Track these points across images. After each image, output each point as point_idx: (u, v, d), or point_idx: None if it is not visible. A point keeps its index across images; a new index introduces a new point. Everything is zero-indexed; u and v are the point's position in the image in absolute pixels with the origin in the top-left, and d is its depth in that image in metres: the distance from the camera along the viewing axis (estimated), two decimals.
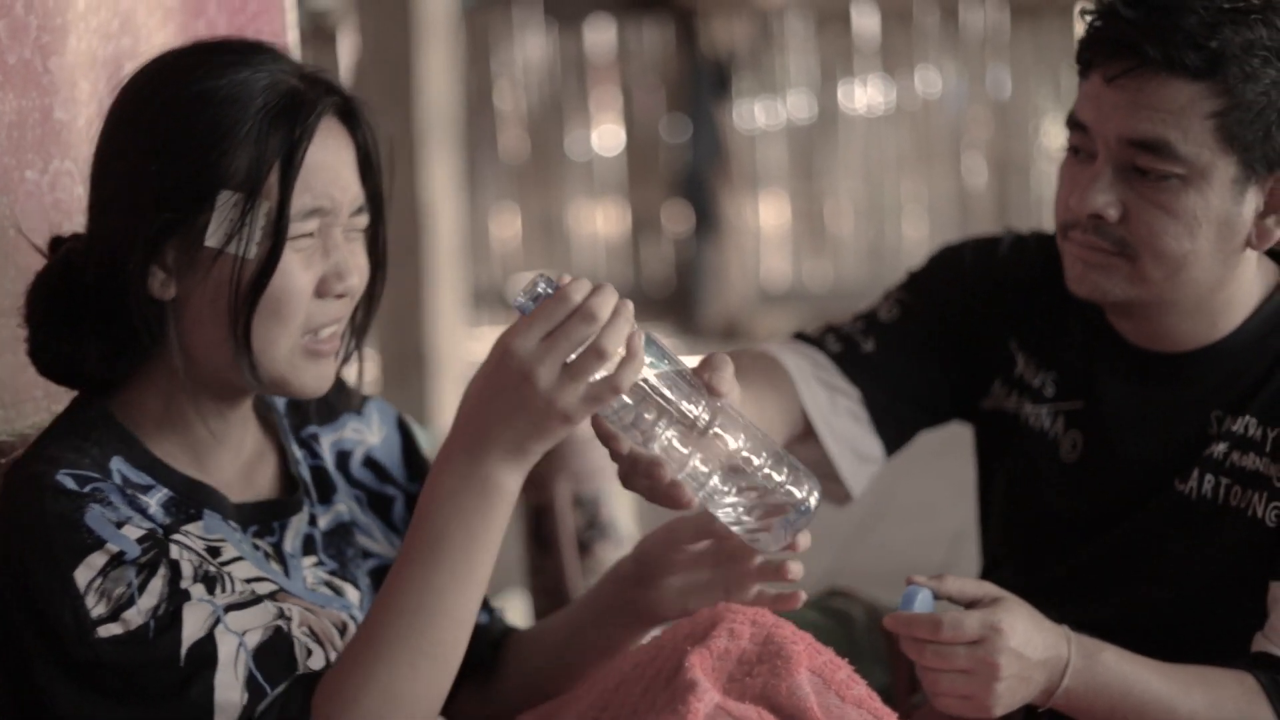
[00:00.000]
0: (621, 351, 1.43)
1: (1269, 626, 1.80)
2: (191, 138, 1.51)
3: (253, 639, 1.49)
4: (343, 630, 1.64)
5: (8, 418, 1.77)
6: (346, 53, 9.64)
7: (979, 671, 1.67)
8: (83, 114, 1.90)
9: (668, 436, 1.50)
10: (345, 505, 1.76)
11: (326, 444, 1.79)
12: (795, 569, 1.66)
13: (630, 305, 1.45)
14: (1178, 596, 1.90)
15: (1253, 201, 1.82)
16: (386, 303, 6.22)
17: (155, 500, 1.55)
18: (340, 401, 1.81)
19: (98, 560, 1.45)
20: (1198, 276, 1.84)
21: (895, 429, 2.12)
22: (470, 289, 7.75)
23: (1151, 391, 1.95)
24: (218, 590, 1.51)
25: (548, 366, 1.41)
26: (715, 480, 1.52)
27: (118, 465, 1.55)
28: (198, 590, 1.48)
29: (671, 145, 9.87)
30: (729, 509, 1.54)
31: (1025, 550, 1.81)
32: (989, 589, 1.72)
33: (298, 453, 1.75)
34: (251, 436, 1.70)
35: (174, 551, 1.49)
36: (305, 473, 1.74)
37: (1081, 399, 2.00)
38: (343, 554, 1.73)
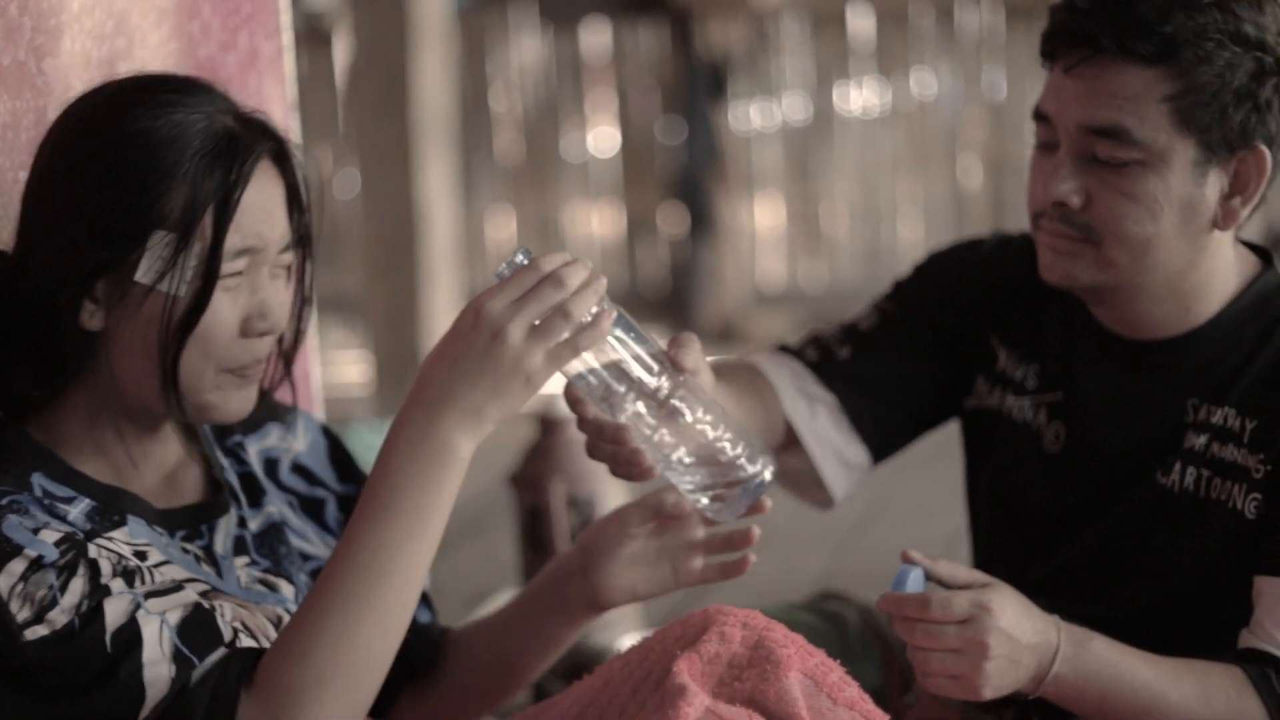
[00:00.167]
0: (587, 318, 1.51)
1: (1254, 622, 1.81)
2: (128, 177, 1.54)
3: (174, 616, 1.51)
4: (277, 624, 1.65)
5: None
6: (341, 54, 9.64)
7: (968, 651, 1.69)
8: None
9: (632, 407, 1.60)
10: (276, 508, 1.79)
11: (253, 451, 1.82)
12: (755, 531, 1.77)
13: (603, 280, 1.53)
14: (1165, 592, 1.91)
15: (1216, 183, 1.85)
16: (381, 305, 6.31)
17: (77, 509, 1.57)
18: (264, 410, 1.83)
19: (17, 567, 1.47)
20: (1164, 259, 1.86)
21: (878, 435, 2.16)
22: (465, 290, 7.74)
23: (1129, 380, 1.96)
24: (137, 582, 1.52)
25: (518, 325, 1.48)
26: (676, 452, 1.62)
27: (38, 480, 1.57)
28: (117, 584, 1.50)
29: (667, 147, 9.87)
30: (689, 479, 1.64)
31: (1013, 548, 1.82)
32: (980, 575, 1.74)
33: (223, 460, 1.77)
34: (173, 450, 1.73)
35: (92, 551, 1.51)
36: (232, 478, 1.76)
37: (1062, 390, 2.02)
38: (276, 552, 1.75)
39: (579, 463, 3.52)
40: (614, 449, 1.63)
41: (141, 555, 1.58)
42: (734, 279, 9.78)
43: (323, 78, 10.00)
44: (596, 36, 10.07)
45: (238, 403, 1.63)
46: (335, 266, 10.17)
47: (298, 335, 1.71)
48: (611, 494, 3.52)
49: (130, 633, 1.48)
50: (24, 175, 1.66)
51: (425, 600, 1.90)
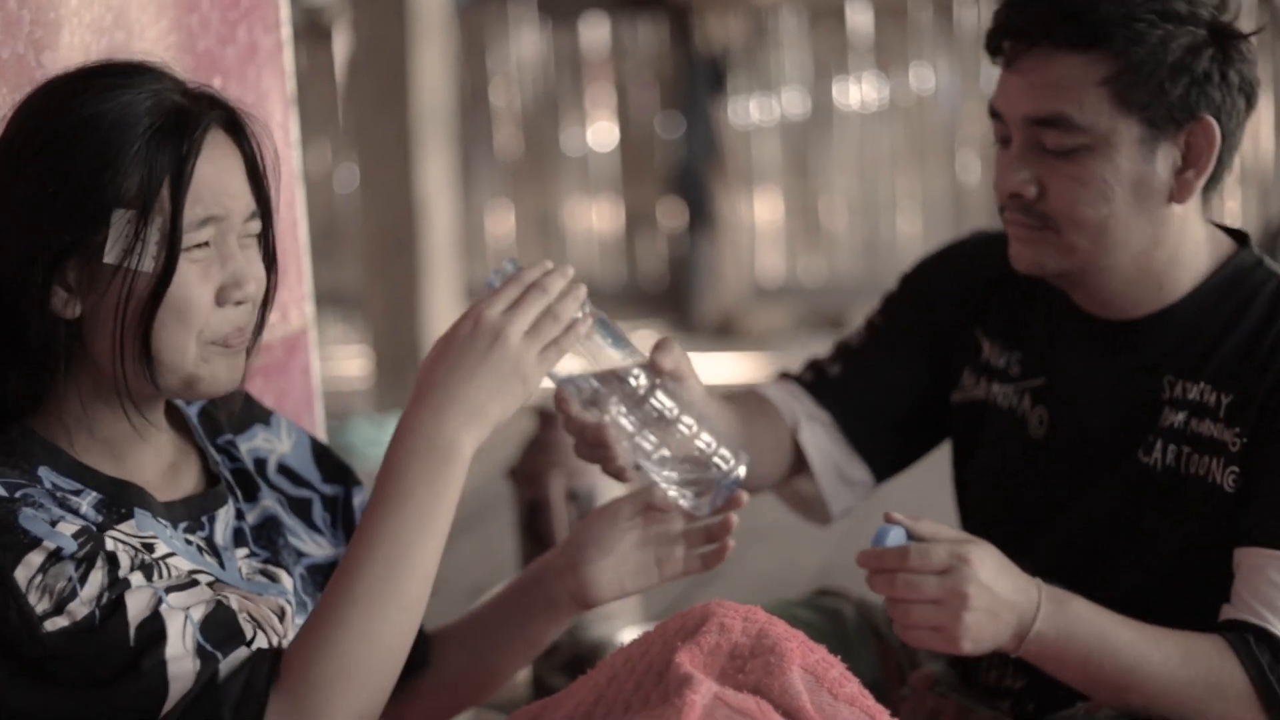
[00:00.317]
0: (571, 319, 1.64)
1: (1234, 594, 1.82)
2: (83, 162, 1.55)
3: (197, 612, 1.53)
4: (281, 615, 1.67)
5: None
6: (341, 49, 9.64)
7: (948, 601, 1.72)
8: None
9: (614, 407, 1.73)
10: (271, 502, 1.81)
11: (244, 449, 1.84)
12: (732, 520, 1.83)
13: (583, 287, 1.67)
14: (1153, 572, 1.91)
15: (1167, 158, 1.87)
16: (381, 300, 6.27)
17: (86, 502, 1.58)
18: (249, 413, 1.87)
19: (35, 559, 1.48)
20: (1124, 238, 1.89)
21: (876, 450, 2.21)
22: (464, 285, 7.74)
23: (1108, 360, 1.98)
24: (155, 576, 1.54)
25: (515, 328, 1.60)
26: (656, 450, 1.73)
27: (45, 474, 1.58)
28: (136, 578, 1.51)
29: (666, 141, 9.87)
30: (668, 475, 1.74)
31: (1003, 538, 1.84)
32: (962, 534, 1.77)
33: (216, 456, 1.79)
34: (170, 442, 1.74)
35: (109, 544, 1.52)
36: (226, 474, 1.78)
37: (1045, 375, 2.04)
38: (274, 543, 1.77)
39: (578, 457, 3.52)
40: (596, 449, 1.75)
41: (149, 548, 1.59)
42: (733, 273, 9.78)
43: (323, 72, 10.00)
44: (595, 31, 10.07)
45: (226, 372, 1.65)
46: (334, 261, 10.17)
47: (265, 304, 1.71)
48: (610, 487, 3.52)
49: (155, 627, 1.49)
50: None
51: None
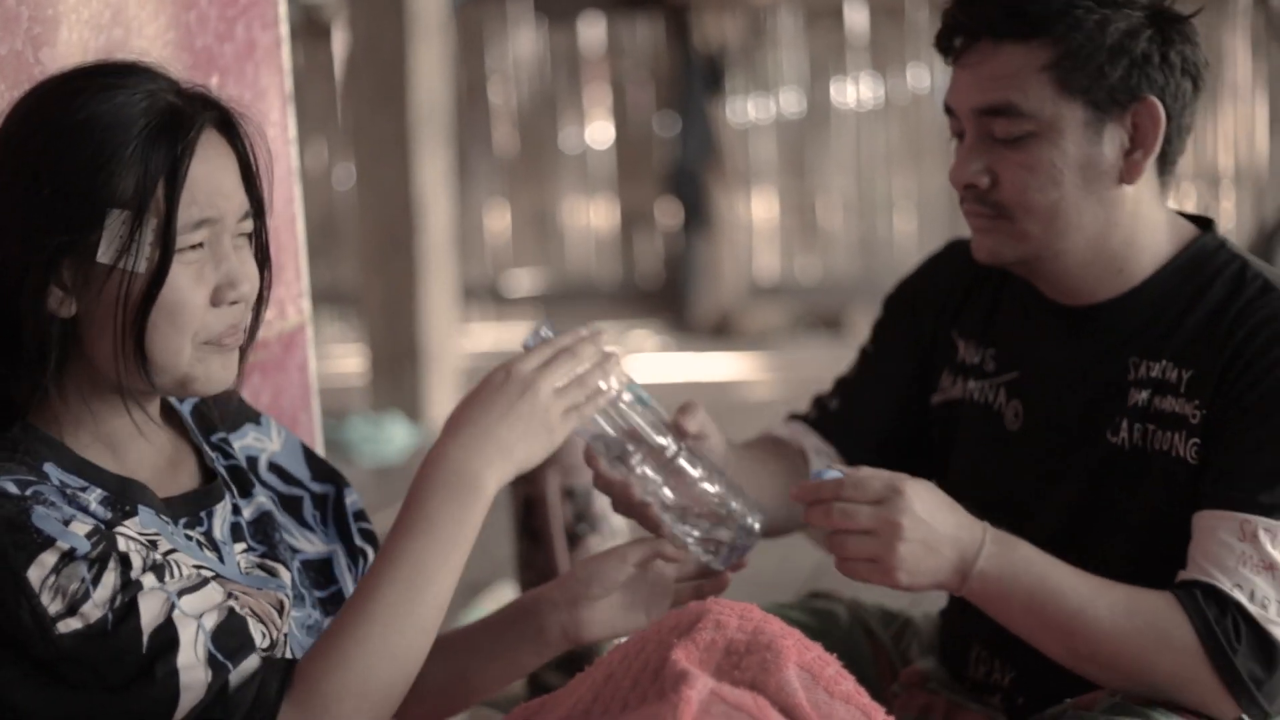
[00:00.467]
0: (599, 386, 1.71)
1: (1189, 556, 1.84)
2: (79, 163, 1.56)
3: (210, 620, 1.54)
4: (280, 609, 1.68)
5: None
6: (339, 47, 9.64)
7: (882, 532, 1.75)
8: None
9: (640, 466, 1.80)
10: (265, 499, 1.82)
11: (238, 446, 1.85)
12: (727, 578, 1.88)
13: (615, 356, 1.74)
14: (1131, 552, 1.92)
15: (1115, 140, 1.90)
16: (378, 297, 6.27)
17: (93, 499, 1.59)
18: (241, 411, 1.89)
19: (49, 559, 1.48)
20: (1076, 221, 1.92)
21: None
22: (461, 283, 7.75)
23: (1075, 346, 2.00)
24: (167, 577, 1.54)
25: (545, 383, 1.67)
26: (679, 506, 1.80)
27: (51, 470, 1.59)
28: (149, 580, 1.52)
29: (663, 140, 9.88)
30: (687, 530, 1.81)
31: None
32: (901, 475, 1.80)
33: (211, 453, 1.80)
34: (167, 439, 1.75)
35: (122, 544, 1.52)
36: (222, 470, 1.79)
37: (1018, 368, 2.07)
38: (270, 538, 1.78)
39: (574, 454, 3.52)
40: (631, 507, 1.83)
41: (153, 545, 1.59)
42: (730, 272, 9.79)
43: (321, 70, 10.00)
44: (593, 30, 10.07)
45: (220, 371, 1.66)
46: (331, 259, 10.18)
47: (259, 304, 1.72)
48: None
49: (167, 635, 1.50)
50: None
51: None
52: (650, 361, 8.78)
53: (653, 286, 10.18)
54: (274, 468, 1.88)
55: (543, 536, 3.48)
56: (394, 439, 6.49)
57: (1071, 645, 1.82)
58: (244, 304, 1.66)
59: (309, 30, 9.86)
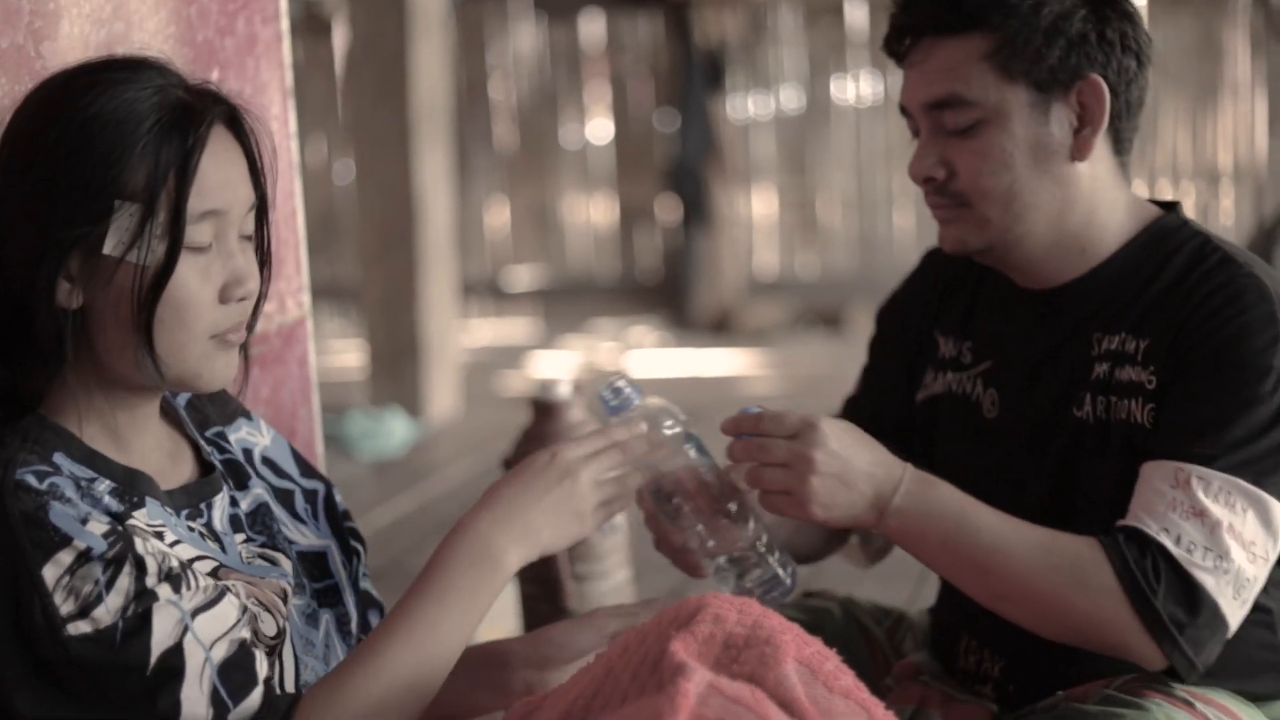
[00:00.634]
0: (634, 484, 1.79)
1: (1129, 507, 1.86)
2: (91, 157, 1.57)
3: (219, 653, 1.54)
4: (284, 597, 1.70)
5: None
6: (340, 43, 9.64)
7: (796, 465, 1.82)
8: None
9: (687, 506, 1.87)
10: (261, 490, 1.83)
11: (233, 439, 1.87)
12: None
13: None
14: (1108, 524, 1.93)
15: (1063, 119, 1.95)
16: (378, 293, 6.25)
17: (103, 490, 1.59)
18: (233, 407, 1.90)
19: (65, 558, 1.48)
20: (1033, 201, 1.96)
21: None
22: (461, 279, 7.75)
23: (1042, 328, 2.04)
24: (183, 589, 1.54)
25: (587, 474, 1.73)
26: (720, 555, 1.87)
27: (61, 460, 1.59)
28: (164, 591, 1.52)
29: (663, 136, 9.88)
30: (730, 579, 1.87)
31: None
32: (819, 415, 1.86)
33: (207, 447, 1.81)
34: (166, 433, 1.76)
35: (139, 546, 1.53)
36: (218, 463, 1.80)
37: (992, 358, 2.10)
38: (270, 528, 1.80)
39: None
40: (671, 553, 1.94)
41: (159, 536, 1.60)
42: (729, 269, 9.79)
43: (322, 66, 10.00)
44: (593, 26, 10.07)
45: (223, 367, 1.67)
46: (331, 254, 10.18)
47: (258, 302, 1.73)
48: None
49: (175, 663, 1.50)
50: None
51: (380, 610, 1.92)
52: (650, 358, 8.79)
53: (652, 282, 10.18)
54: (266, 461, 1.90)
55: None
56: (393, 434, 6.49)
57: (987, 583, 1.86)
58: (249, 300, 1.67)
59: (310, 26, 9.86)
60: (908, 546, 1.89)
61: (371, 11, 6.83)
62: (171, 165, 1.58)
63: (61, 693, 1.49)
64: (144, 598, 1.50)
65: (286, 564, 1.76)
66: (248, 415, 1.92)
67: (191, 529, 1.67)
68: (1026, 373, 2.04)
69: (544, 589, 3.31)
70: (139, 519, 1.59)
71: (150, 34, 2.08)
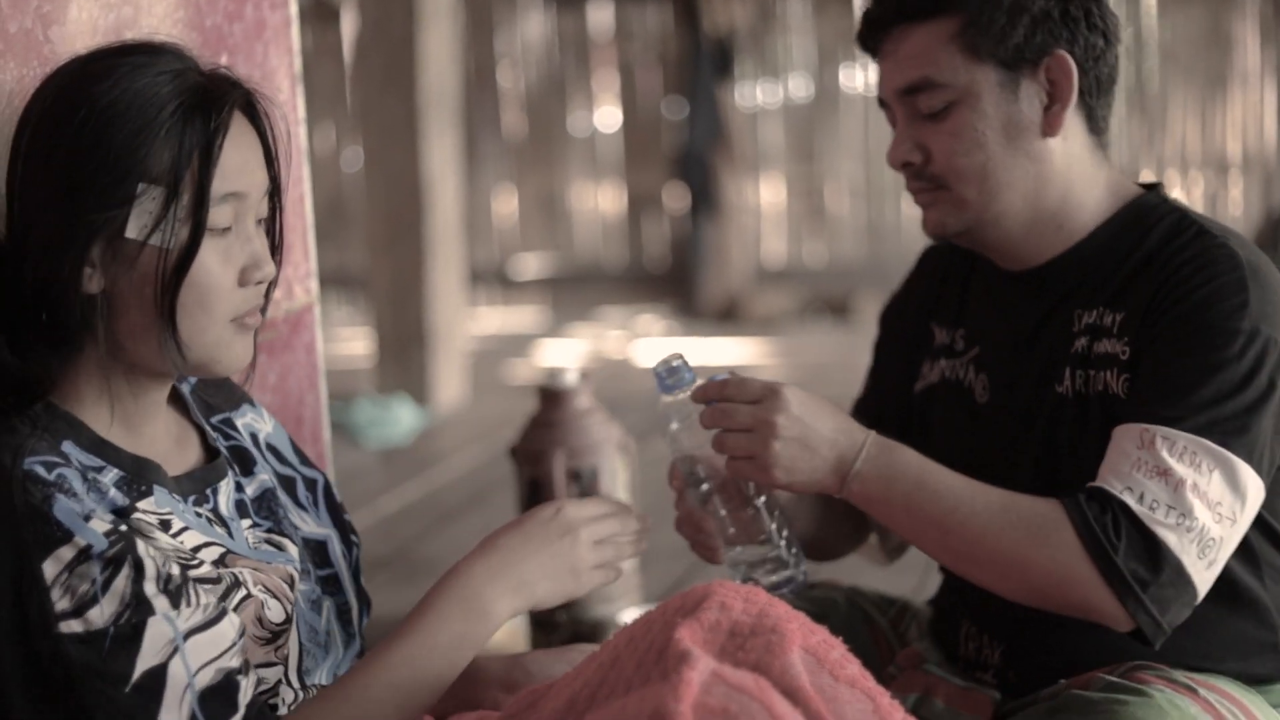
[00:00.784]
0: (633, 555, 1.83)
1: (1099, 470, 1.87)
2: (115, 141, 1.58)
3: (204, 679, 1.52)
4: (290, 583, 1.71)
5: None
6: (349, 30, 9.63)
7: (759, 429, 1.86)
8: None
9: (720, 507, 1.92)
10: (267, 476, 1.84)
11: (240, 425, 1.88)
12: None
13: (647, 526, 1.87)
14: None
15: (1033, 96, 1.99)
16: (385, 280, 6.26)
17: (109, 480, 1.59)
18: (237, 393, 1.92)
19: (66, 554, 1.48)
20: (1007, 179, 2.00)
21: None
22: (469, 267, 7.74)
23: (1025, 309, 2.06)
24: (183, 605, 1.53)
25: (587, 533, 1.77)
26: (738, 545, 1.93)
27: (69, 449, 1.60)
28: (162, 604, 1.51)
29: (671, 125, 9.87)
30: (743, 569, 1.92)
31: None
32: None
33: (213, 433, 1.82)
34: (174, 419, 1.77)
35: (140, 548, 1.52)
36: (223, 449, 1.81)
37: (982, 343, 2.13)
38: (275, 514, 1.81)
39: (580, 435, 3.52)
40: (692, 533, 2.00)
41: (166, 524, 1.60)
42: (737, 257, 9.79)
43: (330, 53, 10.00)
44: (601, 14, 10.06)
45: (241, 351, 1.68)
46: (339, 242, 10.18)
47: (270, 286, 1.74)
48: (613, 468, 3.53)
49: (156, 682, 1.50)
50: None
51: (369, 607, 1.92)
52: (658, 346, 8.79)
53: (660, 271, 10.18)
54: (270, 448, 1.90)
55: None
56: (400, 422, 6.49)
57: (949, 544, 1.88)
58: (265, 285, 1.68)
59: (318, 13, 9.86)
60: (872, 511, 1.92)
61: None
62: (195, 148, 1.59)
63: (44, 688, 1.48)
64: (140, 608, 1.49)
65: (293, 549, 1.77)
66: (251, 402, 1.93)
67: (199, 515, 1.67)
68: (1013, 354, 2.06)
69: None
70: (146, 507, 1.59)
71: (159, 19, 2.08)
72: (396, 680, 1.64)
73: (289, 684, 1.70)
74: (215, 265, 1.62)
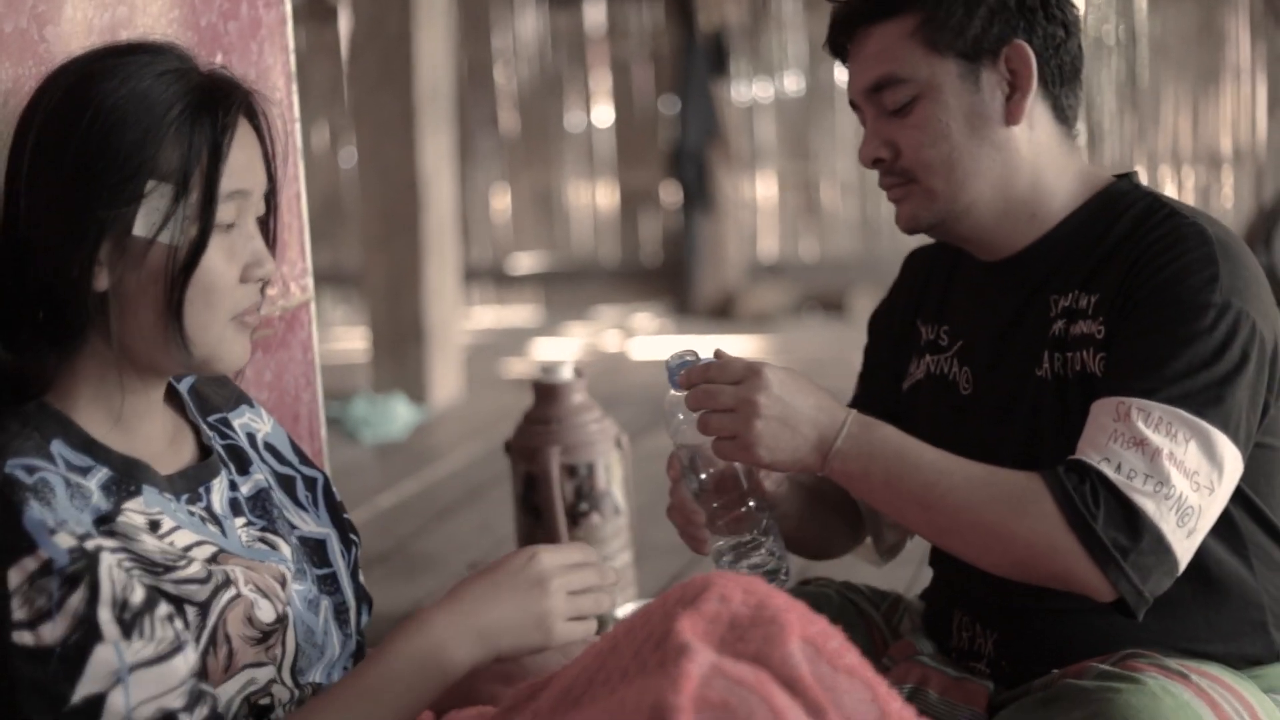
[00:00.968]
0: (605, 609, 1.76)
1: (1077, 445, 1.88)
2: (125, 139, 1.59)
3: (140, 715, 1.50)
4: (282, 582, 1.71)
5: None
6: (345, 28, 9.63)
7: (740, 409, 1.88)
8: None
9: (713, 496, 1.95)
10: (263, 475, 1.84)
11: (237, 424, 1.88)
12: None
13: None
14: None
15: (994, 86, 2.03)
16: (381, 278, 6.27)
17: (95, 482, 1.59)
18: (235, 393, 1.93)
19: (29, 565, 1.48)
20: (974, 168, 2.03)
21: None
22: (464, 264, 7.74)
23: (1003, 297, 2.09)
24: (134, 637, 1.51)
25: (559, 583, 1.71)
26: (725, 538, 1.95)
27: (58, 449, 1.60)
28: (112, 632, 1.49)
29: (666, 121, 9.87)
30: (727, 560, 1.94)
31: None
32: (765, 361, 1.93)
33: (209, 432, 1.82)
34: (169, 418, 1.78)
35: (102, 569, 1.50)
36: (219, 448, 1.81)
37: (964, 337, 2.15)
38: (270, 513, 1.81)
39: (575, 431, 3.53)
40: (682, 522, 2.03)
41: (155, 524, 1.61)
42: (732, 253, 9.79)
43: (326, 51, 10.00)
44: (595, 11, 10.06)
45: (240, 349, 1.69)
46: (335, 239, 10.18)
47: (265, 285, 1.75)
48: (610, 464, 3.53)
49: (93, 712, 1.47)
50: None
51: (369, 606, 1.92)
52: (652, 342, 8.79)
53: (655, 267, 10.18)
54: (269, 447, 1.91)
55: (545, 513, 3.49)
56: (396, 419, 6.50)
57: (930, 518, 1.89)
58: (265, 282, 1.70)
59: (313, 11, 9.85)
60: (853, 488, 1.93)
61: None
62: (204, 146, 1.60)
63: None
64: (90, 631, 1.48)
65: (286, 549, 1.77)
66: (249, 402, 1.94)
67: (192, 514, 1.68)
68: (993, 344, 2.08)
69: None
70: (134, 508, 1.60)
71: (154, 18, 2.09)
72: None
73: (282, 683, 1.69)
74: (220, 262, 1.63)
